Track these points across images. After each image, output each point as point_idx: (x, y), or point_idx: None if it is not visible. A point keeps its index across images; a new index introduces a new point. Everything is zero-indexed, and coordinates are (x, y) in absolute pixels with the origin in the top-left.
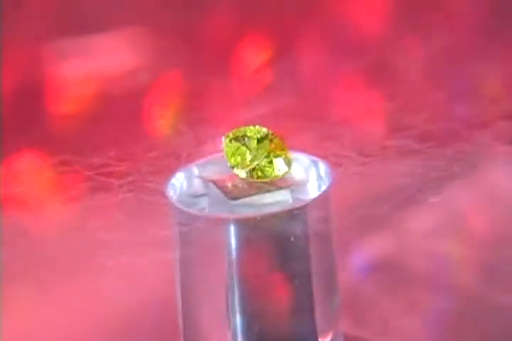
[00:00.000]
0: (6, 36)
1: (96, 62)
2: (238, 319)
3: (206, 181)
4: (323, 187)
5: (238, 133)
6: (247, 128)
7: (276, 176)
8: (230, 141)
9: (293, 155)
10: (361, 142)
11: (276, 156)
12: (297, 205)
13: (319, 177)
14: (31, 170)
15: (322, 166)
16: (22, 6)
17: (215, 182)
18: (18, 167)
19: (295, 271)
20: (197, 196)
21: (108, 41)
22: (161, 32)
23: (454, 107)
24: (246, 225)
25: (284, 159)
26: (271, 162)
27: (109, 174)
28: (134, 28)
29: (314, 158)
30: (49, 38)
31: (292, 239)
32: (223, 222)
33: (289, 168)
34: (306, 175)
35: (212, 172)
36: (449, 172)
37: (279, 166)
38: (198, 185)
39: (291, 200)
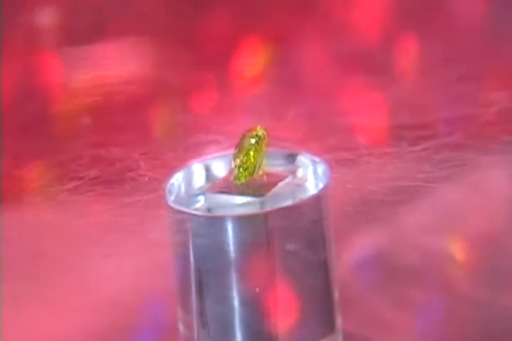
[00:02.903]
0: (8, 43)
1: (98, 71)
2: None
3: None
4: (321, 186)
5: (252, 132)
6: (258, 128)
7: (237, 181)
8: (244, 136)
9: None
10: (358, 141)
11: (245, 164)
12: (294, 204)
13: (317, 176)
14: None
15: (321, 166)
16: (24, 14)
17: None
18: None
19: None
20: (195, 195)
21: (109, 50)
22: (163, 40)
23: (451, 107)
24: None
25: (247, 170)
26: (239, 167)
27: None
28: (135, 37)
29: (313, 157)
30: (52, 46)
31: (228, 246)
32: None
33: (245, 180)
34: (305, 175)
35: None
36: (444, 171)
37: (239, 173)
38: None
39: (261, 207)
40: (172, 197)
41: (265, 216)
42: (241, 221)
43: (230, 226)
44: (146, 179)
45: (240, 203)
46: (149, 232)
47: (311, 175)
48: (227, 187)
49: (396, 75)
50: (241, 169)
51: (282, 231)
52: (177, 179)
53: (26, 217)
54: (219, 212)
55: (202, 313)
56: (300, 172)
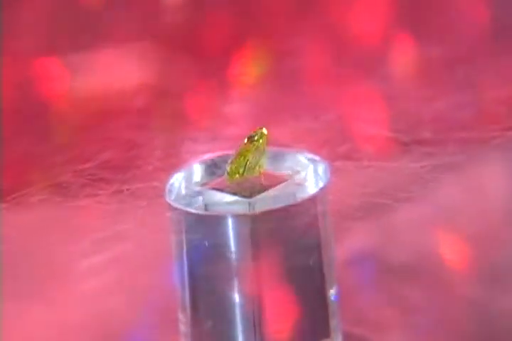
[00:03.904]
0: (9, 49)
1: (99, 77)
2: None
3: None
4: (321, 185)
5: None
6: (260, 128)
7: (227, 180)
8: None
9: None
10: (365, 152)
11: (236, 164)
12: (282, 207)
13: (317, 176)
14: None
15: (320, 165)
16: (27, 19)
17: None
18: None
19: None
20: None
21: (110, 56)
22: (164, 46)
23: (468, 126)
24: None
25: (236, 170)
26: (230, 166)
27: None
28: (136, 42)
29: (313, 157)
30: (52, 53)
31: (206, 244)
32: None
33: (233, 179)
34: (304, 175)
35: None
36: (439, 169)
37: (229, 172)
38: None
39: (249, 208)
40: (172, 195)
41: (252, 217)
42: (226, 220)
43: (217, 225)
44: (151, 168)
45: (229, 202)
46: (119, 224)
47: (311, 175)
48: (223, 185)
49: (421, 90)
50: (232, 168)
51: (272, 232)
52: (177, 178)
53: (18, 195)
54: (211, 211)
55: (195, 312)
56: (300, 173)
